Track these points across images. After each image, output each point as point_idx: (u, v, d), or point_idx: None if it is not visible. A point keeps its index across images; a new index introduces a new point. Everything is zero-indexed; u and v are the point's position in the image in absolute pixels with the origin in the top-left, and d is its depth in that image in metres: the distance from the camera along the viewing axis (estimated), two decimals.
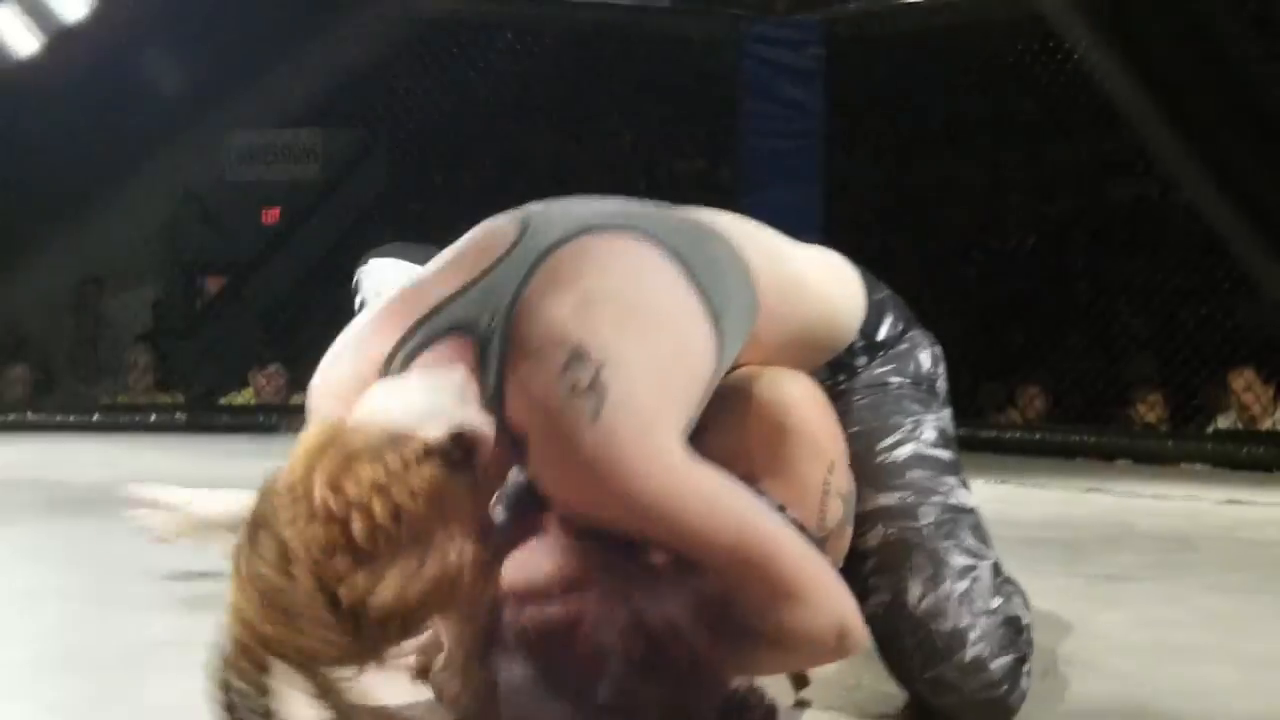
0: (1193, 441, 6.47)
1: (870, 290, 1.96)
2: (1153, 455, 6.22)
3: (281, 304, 8.58)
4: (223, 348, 8.28)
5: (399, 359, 1.65)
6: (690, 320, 1.64)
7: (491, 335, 1.60)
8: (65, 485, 3.96)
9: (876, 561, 1.83)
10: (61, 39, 6.36)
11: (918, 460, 1.88)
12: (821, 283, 1.91)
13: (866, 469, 1.87)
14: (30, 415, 6.41)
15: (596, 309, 1.59)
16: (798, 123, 6.98)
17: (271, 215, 9.86)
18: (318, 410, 1.72)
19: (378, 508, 1.41)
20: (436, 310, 1.66)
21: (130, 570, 2.60)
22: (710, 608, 1.53)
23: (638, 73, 7.54)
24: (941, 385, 1.99)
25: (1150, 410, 6.85)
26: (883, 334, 1.95)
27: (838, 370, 1.91)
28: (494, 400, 1.57)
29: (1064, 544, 3.32)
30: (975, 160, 7.73)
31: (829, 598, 1.58)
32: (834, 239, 7.24)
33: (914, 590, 1.80)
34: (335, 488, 1.40)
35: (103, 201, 7.73)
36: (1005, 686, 1.79)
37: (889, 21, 6.98)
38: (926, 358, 1.97)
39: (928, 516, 1.83)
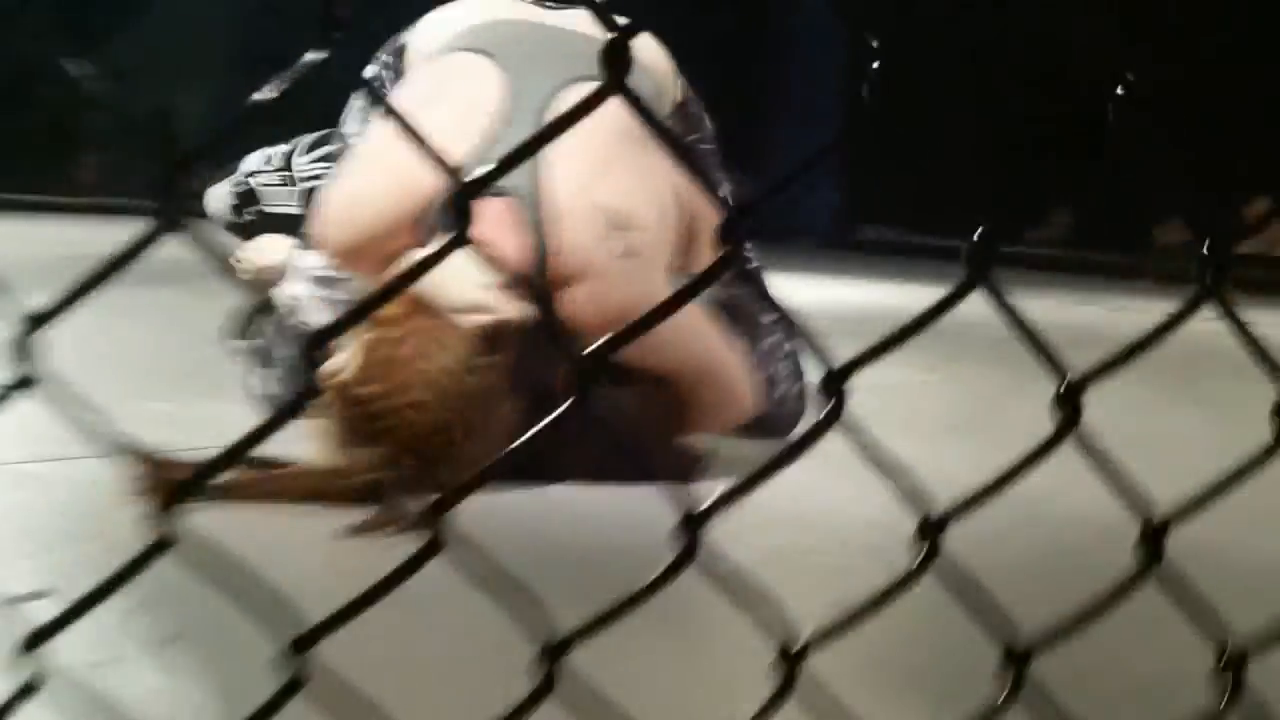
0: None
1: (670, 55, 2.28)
2: (1172, 277, 6.47)
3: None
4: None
5: (434, 219, 1.90)
6: (662, 155, 1.99)
7: (526, 198, 1.90)
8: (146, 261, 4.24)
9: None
10: None
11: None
12: (663, 64, 2.24)
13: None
14: (105, 199, 6.57)
15: (614, 172, 1.93)
16: None
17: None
18: (350, 262, 2.00)
19: (456, 434, 1.74)
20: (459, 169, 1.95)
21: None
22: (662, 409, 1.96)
23: None
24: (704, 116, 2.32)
25: (1166, 234, 7.11)
26: (679, 94, 2.26)
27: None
28: (539, 253, 1.89)
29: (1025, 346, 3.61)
30: None
31: (745, 397, 2.06)
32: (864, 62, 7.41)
33: (741, 347, 2.17)
34: (418, 405, 1.72)
35: None
36: (795, 406, 2.25)
37: None
38: (707, 118, 2.31)
39: (742, 284, 2.22)
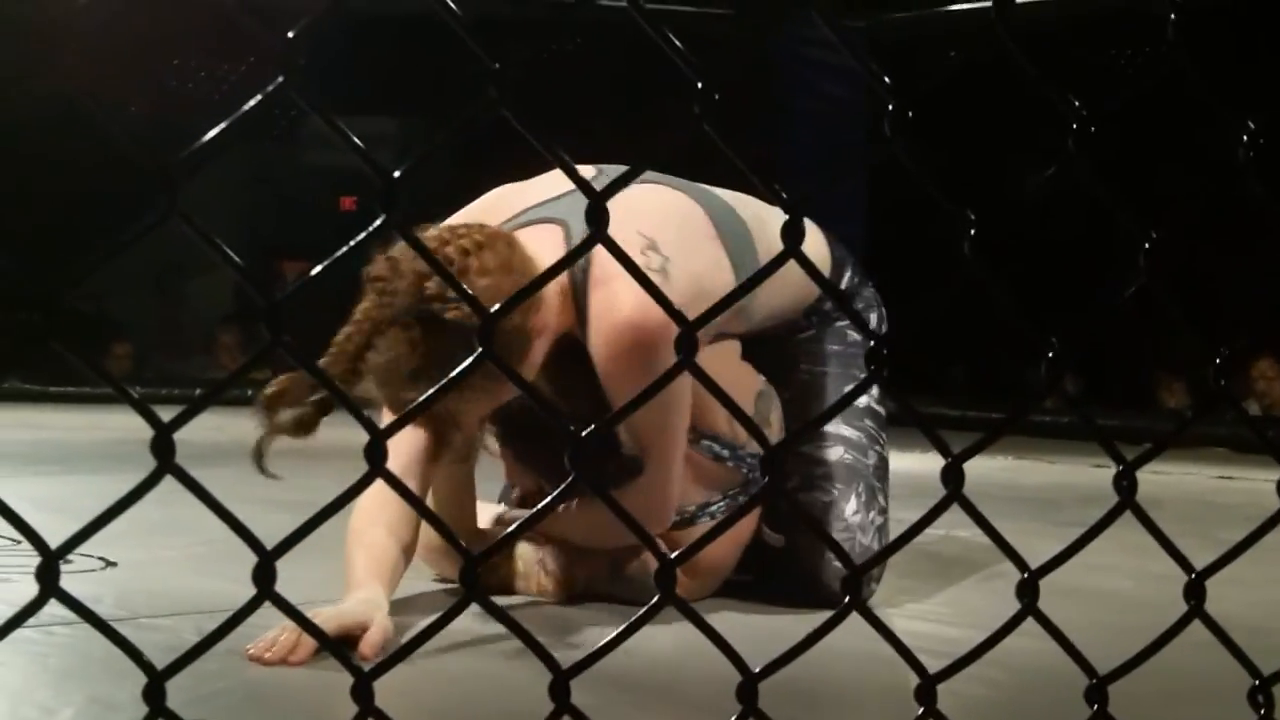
0: (1217, 427, 6.85)
1: (832, 248, 2.49)
2: (1175, 440, 6.57)
3: (357, 289, 9.02)
4: (303, 328, 8.68)
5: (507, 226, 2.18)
6: (719, 259, 2.20)
7: (577, 231, 2.13)
8: (186, 444, 4.44)
9: (828, 471, 2.35)
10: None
11: (870, 411, 2.45)
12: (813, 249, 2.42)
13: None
14: (137, 389, 6.88)
15: (663, 228, 2.17)
16: (844, 119, 7.42)
17: (348, 203, 10.33)
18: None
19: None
20: (536, 206, 2.21)
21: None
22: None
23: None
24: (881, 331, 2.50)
25: (1171, 396, 7.29)
26: (844, 285, 2.46)
27: (811, 314, 2.43)
28: (582, 278, 2.12)
29: (1045, 502, 3.82)
30: (1014, 155, 8.09)
31: (667, 503, 2.22)
32: (877, 228, 7.59)
33: (852, 504, 2.33)
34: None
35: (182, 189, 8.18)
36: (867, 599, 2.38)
37: (929, 27, 7.44)
38: (875, 318, 2.52)
39: (872, 458, 2.39)
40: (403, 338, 1.97)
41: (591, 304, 2.13)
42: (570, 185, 2.21)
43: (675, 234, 2.18)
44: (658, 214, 2.20)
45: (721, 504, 2.34)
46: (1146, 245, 0.89)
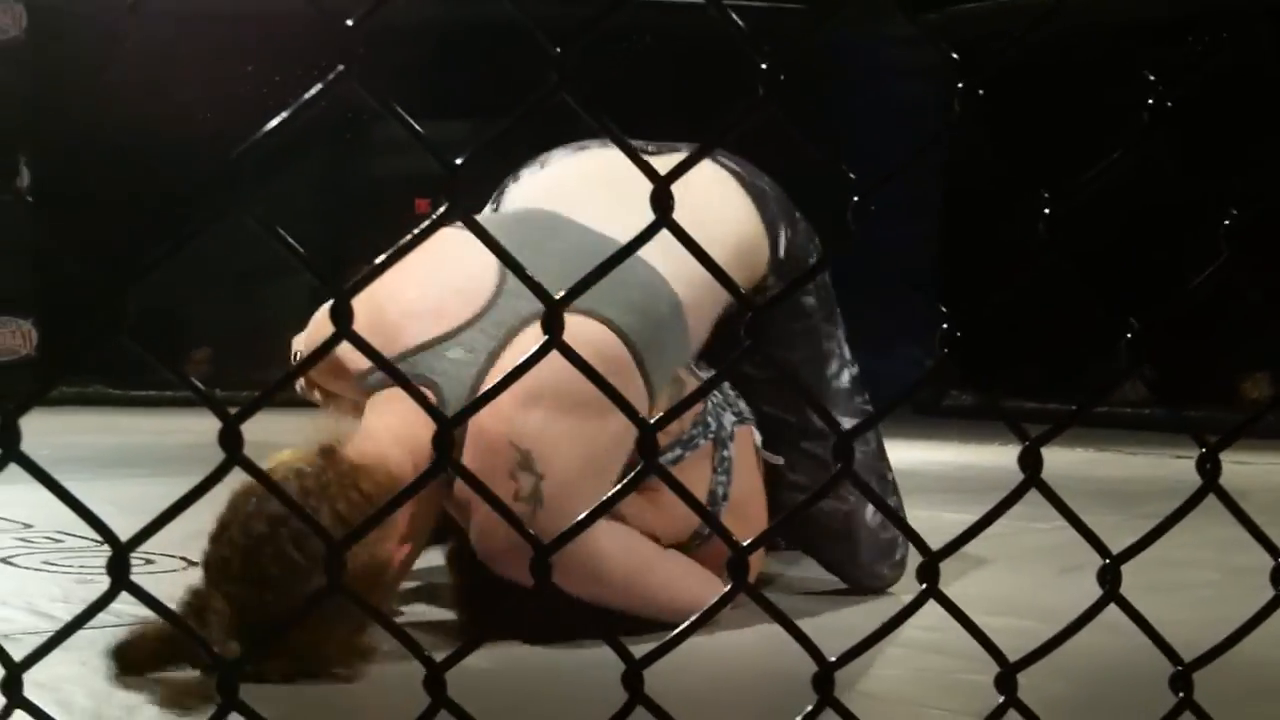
0: None
1: (761, 210, 2.19)
2: (1262, 431, 6.48)
3: None
4: None
5: (370, 379, 1.91)
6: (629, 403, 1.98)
7: (452, 396, 1.84)
8: (257, 445, 4.46)
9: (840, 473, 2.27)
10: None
11: (855, 387, 2.32)
12: (731, 249, 2.11)
13: (824, 391, 2.26)
14: (219, 391, 6.89)
15: (543, 408, 1.82)
16: (918, 118, 7.34)
17: (423, 205, 10.35)
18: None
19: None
20: (413, 351, 1.90)
21: None
22: None
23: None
24: (827, 281, 2.29)
25: (1255, 388, 7.18)
26: (783, 250, 2.19)
27: (759, 293, 2.14)
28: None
29: (1127, 494, 3.77)
30: (1085, 153, 8.00)
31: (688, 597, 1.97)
32: (952, 226, 7.51)
33: (869, 508, 2.29)
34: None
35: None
36: (892, 571, 2.38)
37: (1003, 20, 7.37)
38: (814, 257, 2.23)
39: (870, 442, 2.33)
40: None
41: (467, 516, 1.89)
42: (471, 312, 1.87)
43: (565, 425, 1.84)
44: (548, 389, 1.81)
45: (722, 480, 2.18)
46: (1226, 221, 0.86)
